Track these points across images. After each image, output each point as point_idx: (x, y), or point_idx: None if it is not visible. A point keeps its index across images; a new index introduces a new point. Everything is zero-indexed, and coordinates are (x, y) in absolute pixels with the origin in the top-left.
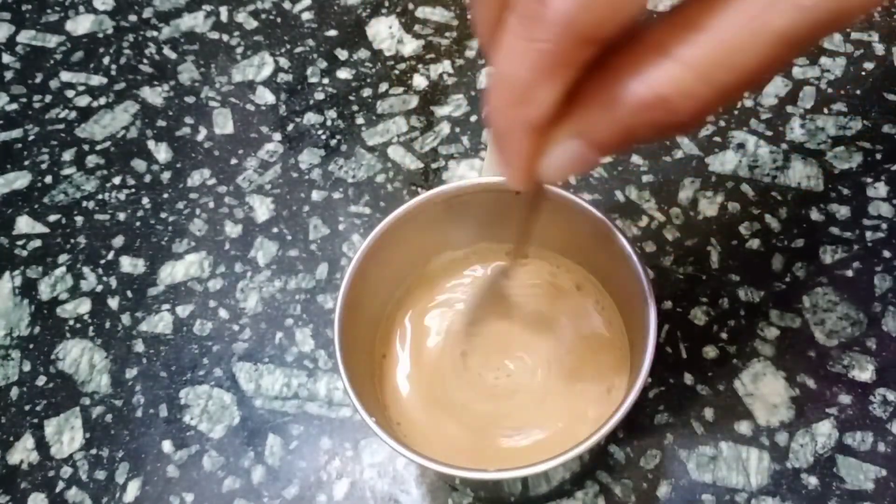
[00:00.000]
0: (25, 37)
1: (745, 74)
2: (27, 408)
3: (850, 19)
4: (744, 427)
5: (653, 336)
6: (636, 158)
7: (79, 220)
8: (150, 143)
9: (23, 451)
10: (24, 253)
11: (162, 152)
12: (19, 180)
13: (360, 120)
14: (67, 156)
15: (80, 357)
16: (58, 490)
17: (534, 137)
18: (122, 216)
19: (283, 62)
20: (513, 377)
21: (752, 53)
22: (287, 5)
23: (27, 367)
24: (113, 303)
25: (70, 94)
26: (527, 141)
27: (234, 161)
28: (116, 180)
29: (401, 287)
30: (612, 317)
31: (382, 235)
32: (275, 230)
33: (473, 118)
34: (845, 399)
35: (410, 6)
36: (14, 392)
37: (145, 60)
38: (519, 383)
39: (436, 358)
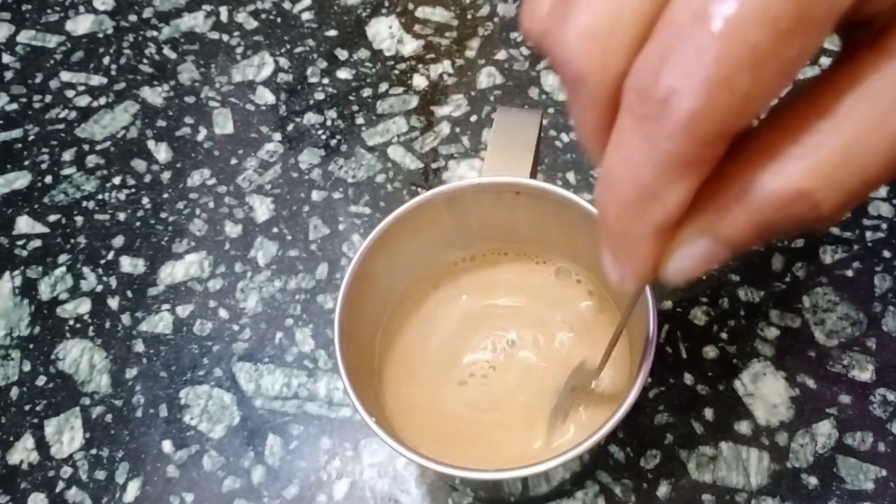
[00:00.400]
0: (25, 37)
1: (891, 162)
2: (27, 408)
3: None
4: (744, 427)
5: (653, 336)
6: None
7: (79, 220)
8: (150, 143)
9: (23, 451)
10: (24, 253)
11: (162, 152)
12: (19, 180)
13: (360, 120)
14: (67, 156)
15: (80, 357)
16: (58, 490)
17: (658, 240)
18: (122, 216)
19: (283, 62)
20: (513, 377)
21: (890, 139)
22: (287, 5)
23: (27, 367)
24: (113, 303)
25: (70, 94)
26: (650, 244)
27: (234, 161)
28: (116, 180)
29: (401, 286)
30: (611, 316)
31: (382, 235)
32: (275, 230)
33: (473, 118)
34: (845, 399)
35: (410, 6)
36: (14, 392)
37: (145, 60)
38: (519, 383)
39: (435, 358)
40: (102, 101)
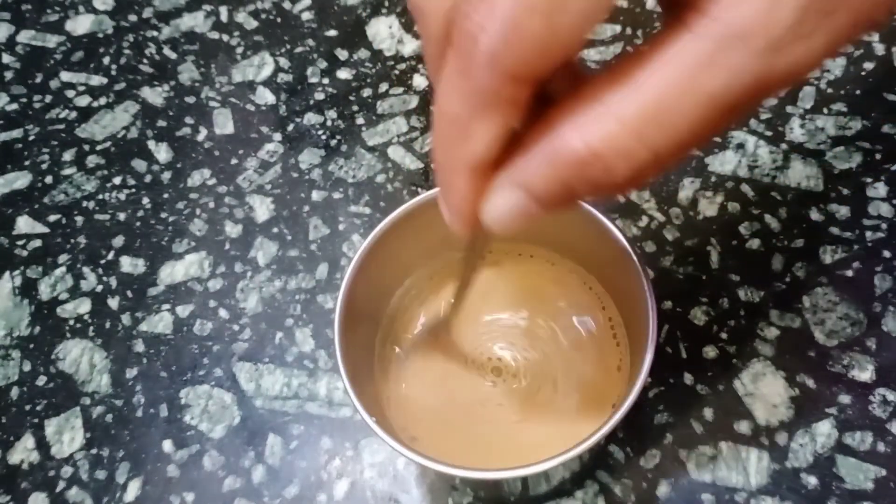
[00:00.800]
0: (25, 37)
1: (678, 136)
2: (27, 408)
3: (781, 85)
4: (743, 427)
5: (653, 336)
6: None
7: (79, 220)
8: (151, 143)
9: (23, 451)
10: (25, 253)
11: (162, 152)
12: (19, 180)
13: (360, 120)
14: (68, 156)
15: (80, 357)
16: (58, 490)
17: (472, 178)
18: (122, 216)
19: (283, 62)
20: (513, 376)
21: (684, 114)
22: (287, 5)
23: (27, 366)
24: (113, 303)
25: (70, 94)
26: (464, 181)
27: (234, 161)
28: (116, 180)
29: (401, 287)
30: (612, 316)
31: (382, 235)
32: (275, 230)
33: None
34: (845, 399)
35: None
36: (14, 392)
37: (145, 60)
38: (520, 382)
39: (436, 358)
40: (102, 101)
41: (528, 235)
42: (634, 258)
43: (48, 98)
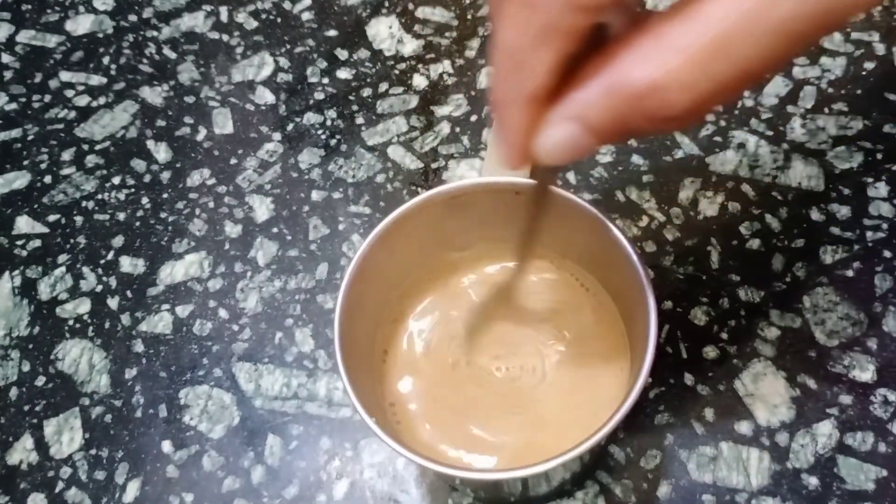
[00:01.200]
0: (25, 36)
1: (744, 67)
2: (26, 408)
3: (850, 15)
4: (744, 427)
5: (653, 336)
6: (636, 158)
7: (78, 219)
8: (150, 143)
9: (22, 452)
10: (24, 253)
11: (161, 152)
12: (19, 180)
13: (360, 120)
14: (67, 156)
15: (79, 357)
16: (57, 490)
17: (529, 109)
18: (121, 216)
19: (283, 62)
20: (513, 378)
21: (750, 46)
22: (287, 5)
23: (27, 367)
24: (112, 303)
25: (70, 93)
26: (521, 112)
27: (233, 161)
28: (116, 180)
29: (401, 287)
30: (612, 317)
31: (382, 235)
32: (275, 230)
33: (473, 118)
34: (846, 399)
35: (410, 6)
36: (13, 392)
37: (145, 60)
38: (519, 383)
39: (436, 358)
40: (102, 100)
41: (528, 236)
42: (634, 258)
43: (47, 98)
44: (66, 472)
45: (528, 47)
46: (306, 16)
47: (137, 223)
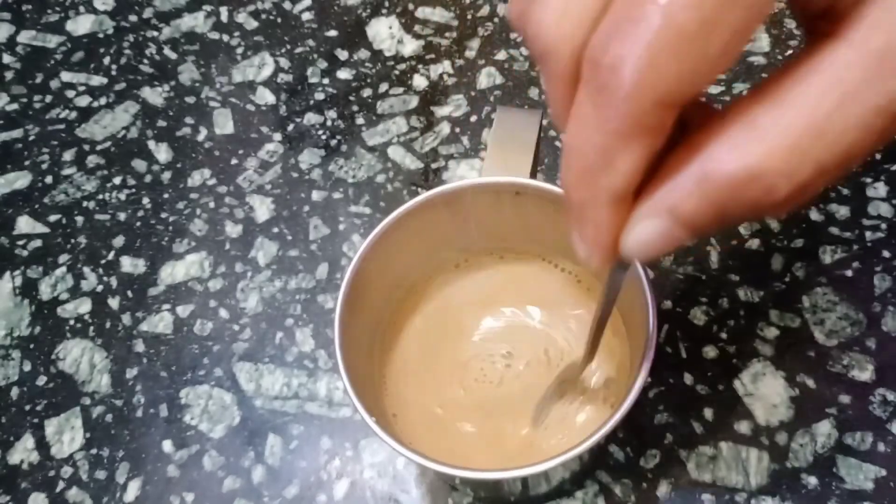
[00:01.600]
0: (26, 37)
1: (845, 149)
2: (27, 408)
3: None
4: (743, 427)
5: (653, 336)
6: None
7: (79, 220)
8: (151, 144)
9: (23, 451)
10: (25, 253)
11: (162, 152)
12: (20, 180)
13: (360, 120)
14: (68, 156)
15: (80, 357)
16: (58, 490)
17: (615, 209)
18: (122, 216)
19: (284, 62)
20: (513, 378)
21: (852, 128)
22: (287, 5)
23: (27, 366)
24: (113, 303)
25: (70, 94)
26: (608, 213)
27: (234, 161)
28: (117, 180)
29: (401, 287)
30: (611, 316)
31: (382, 235)
32: (275, 230)
33: (473, 118)
34: (845, 399)
35: (410, 6)
36: (14, 392)
37: (145, 60)
38: (520, 384)
39: (436, 358)
40: (103, 101)
41: (528, 236)
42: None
43: (48, 98)
44: (66, 471)
45: (613, 147)
46: (306, 16)
47: (138, 223)
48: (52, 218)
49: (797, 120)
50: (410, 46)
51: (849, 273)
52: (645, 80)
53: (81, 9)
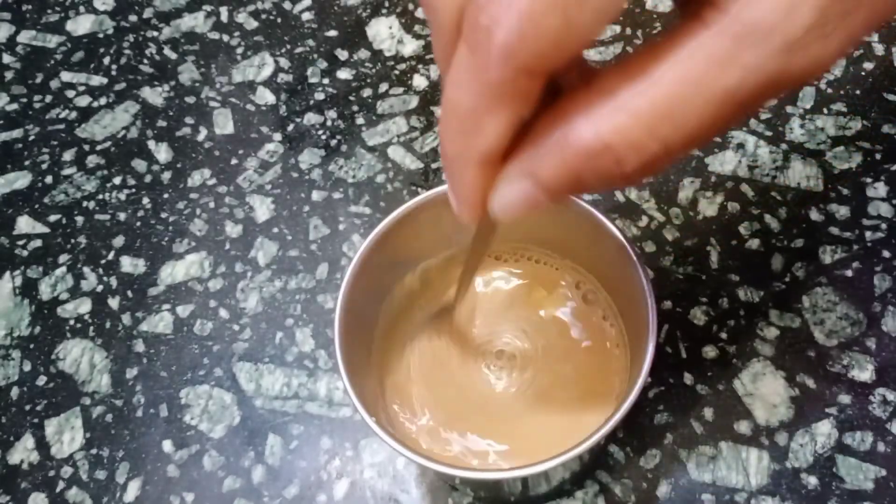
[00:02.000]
0: (26, 37)
1: (690, 130)
2: (27, 408)
3: (795, 83)
4: (743, 427)
5: (653, 336)
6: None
7: (79, 220)
8: (151, 144)
9: (23, 451)
10: (25, 253)
11: (162, 152)
12: (20, 180)
13: (360, 120)
14: (68, 156)
15: (80, 357)
16: (58, 490)
17: (482, 169)
18: (122, 216)
19: (284, 62)
20: (513, 377)
21: (697, 110)
22: (287, 5)
23: (27, 366)
24: (113, 303)
25: (70, 94)
26: (473, 172)
27: (234, 161)
28: (117, 180)
29: (401, 287)
30: (611, 317)
31: (382, 235)
32: (275, 230)
33: None
34: (845, 399)
35: (410, 6)
36: (14, 392)
37: (146, 61)
38: (520, 383)
39: (436, 358)
40: (103, 101)
41: (528, 236)
42: (634, 258)
43: (48, 98)
44: (66, 471)
45: (482, 109)
46: (306, 16)
47: (138, 223)
48: (52, 218)
49: (650, 98)
50: (410, 46)
51: (849, 273)
52: (514, 46)
53: (81, 9)
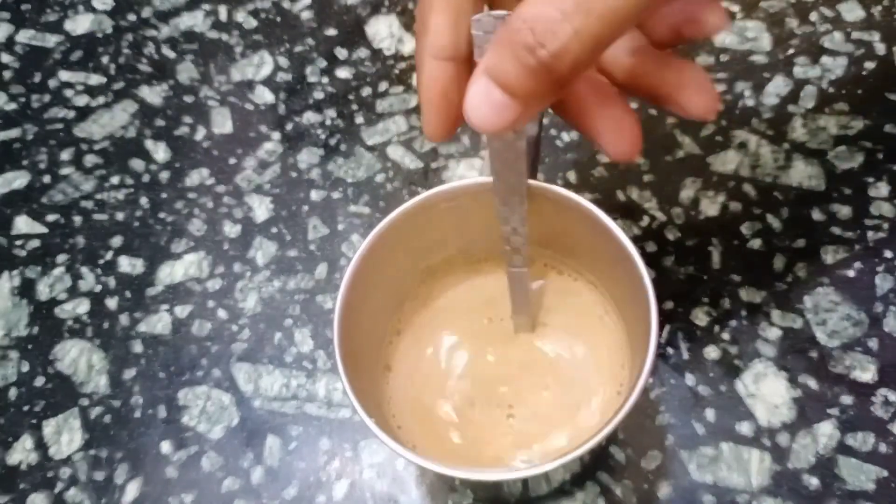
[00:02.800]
0: (24, 36)
1: (598, 23)
2: (26, 408)
3: None
4: (745, 428)
5: (654, 336)
6: (637, 158)
7: (77, 219)
8: (149, 143)
9: (22, 452)
10: (23, 253)
11: (160, 152)
12: (18, 180)
13: (359, 119)
14: (66, 155)
15: (78, 357)
16: (57, 491)
17: (437, 66)
18: (120, 216)
19: (283, 61)
20: (514, 378)
21: (606, 5)
22: (286, 4)
23: (25, 367)
24: (111, 303)
25: (69, 93)
26: (428, 68)
27: (232, 161)
28: (115, 180)
29: (401, 287)
30: (612, 317)
31: (382, 235)
32: (274, 230)
33: None
34: (847, 399)
35: (410, 5)
36: (12, 392)
37: (144, 60)
38: (521, 385)
39: (436, 359)
40: (101, 100)
41: (528, 235)
42: (635, 257)
43: (47, 97)
44: (65, 472)
45: (426, 10)
46: (306, 15)
47: (136, 223)
48: (50, 218)
49: None
50: (410, 45)
51: (851, 273)
52: None
53: (80, 8)
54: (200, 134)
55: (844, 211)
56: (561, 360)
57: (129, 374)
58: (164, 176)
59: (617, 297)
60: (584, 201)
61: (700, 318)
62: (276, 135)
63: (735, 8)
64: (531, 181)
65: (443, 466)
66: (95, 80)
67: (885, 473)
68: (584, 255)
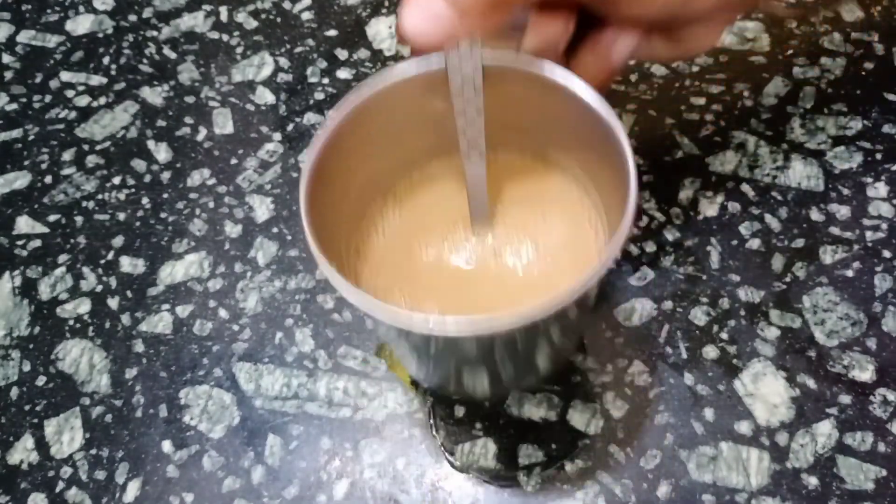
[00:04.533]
0: (25, 37)
1: None
2: (27, 408)
3: None
4: (744, 427)
5: (633, 194)
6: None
7: (78, 219)
8: (150, 143)
9: (23, 452)
10: (24, 253)
11: (162, 152)
12: (19, 180)
13: None
14: (67, 156)
15: (79, 357)
16: (58, 490)
17: None
18: (121, 216)
19: (283, 62)
20: (493, 261)
21: None
22: (287, 5)
23: (27, 367)
24: (113, 303)
25: (70, 93)
26: None
27: (233, 161)
28: (116, 180)
29: (379, 166)
30: (589, 196)
31: (358, 111)
32: (275, 230)
33: None
34: (845, 399)
35: None
36: (14, 392)
37: (145, 60)
38: (499, 268)
39: (413, 239)
40: (102, 100)
41: (513, 122)
42: (613, 124)
43: (48, 98)
44: (66, 471)
45: None
46: (306, 15)
47: (137, 223)
48: (52, 218)
49: None
50: None
51: (849, 273)
52: None
53: (81, 8)
54: (202, 134)
55: (843, 211)
56: (542, 244)
57: (131, 373)
58: (166, 176)
59: (597, 181)
60: (567, 81)
61: (699, 317)
62: (277, 135)
63: None
64: (520, 55)
65: (403, 312)
66: (96, 80)
67: (884, 473)
68: (569, 140)
